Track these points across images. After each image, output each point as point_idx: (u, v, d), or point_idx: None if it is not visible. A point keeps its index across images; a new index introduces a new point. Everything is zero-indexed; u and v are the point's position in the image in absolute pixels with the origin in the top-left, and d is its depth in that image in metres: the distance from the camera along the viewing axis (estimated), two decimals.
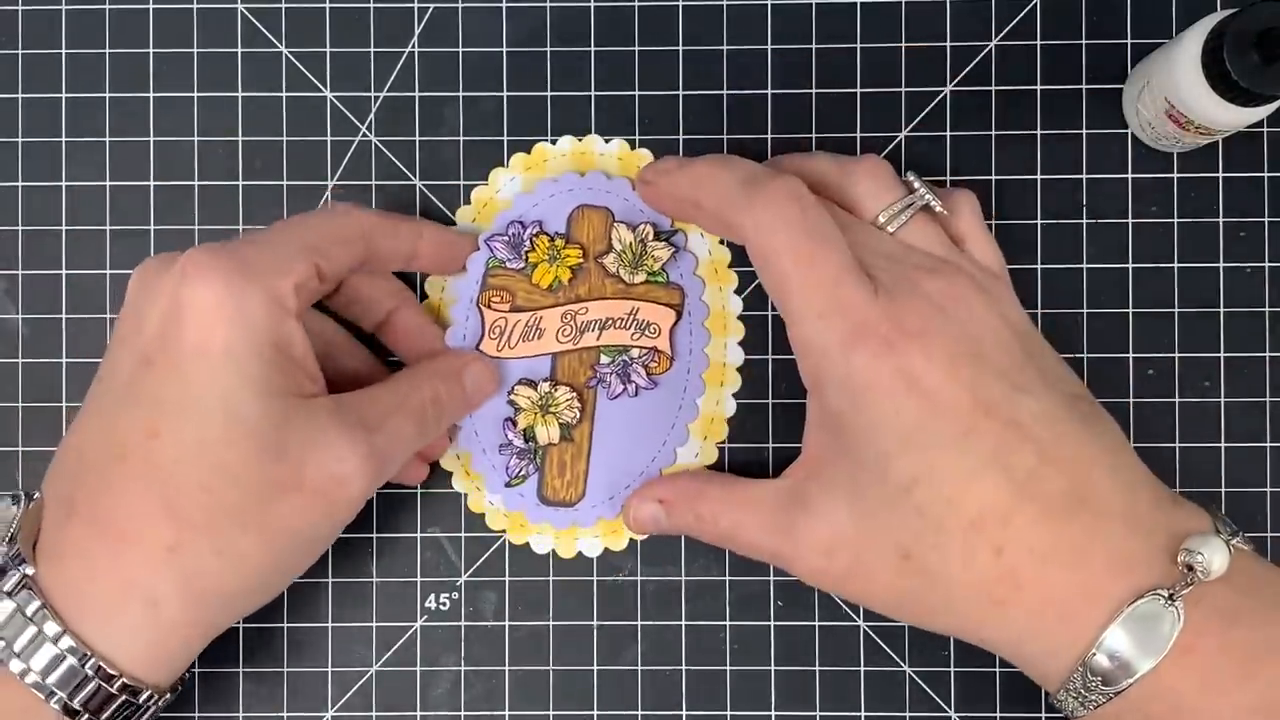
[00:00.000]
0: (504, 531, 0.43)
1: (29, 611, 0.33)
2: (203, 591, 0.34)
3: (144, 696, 0.34)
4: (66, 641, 0.33)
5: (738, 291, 0.43)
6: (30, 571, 0.34)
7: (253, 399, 0.34)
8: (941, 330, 0.34)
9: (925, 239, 0.37)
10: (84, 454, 0.35)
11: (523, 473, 0.43)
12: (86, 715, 0.34)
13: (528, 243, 0.42)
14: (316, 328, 0.40)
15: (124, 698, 0.34)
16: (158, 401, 0.34)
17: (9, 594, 0.33)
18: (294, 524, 0.35)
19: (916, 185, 0.38)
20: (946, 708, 0.43)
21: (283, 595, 0.43)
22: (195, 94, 0.44)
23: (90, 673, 0.33)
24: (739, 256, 0.43)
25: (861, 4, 0.43)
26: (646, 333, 0.42)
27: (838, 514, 0.36)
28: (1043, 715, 0.43)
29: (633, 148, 0.43)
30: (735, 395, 0.43)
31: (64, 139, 0.44)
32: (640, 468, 0.42)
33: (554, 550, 0.43)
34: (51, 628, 0.33)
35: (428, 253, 0.40)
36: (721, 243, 0.43)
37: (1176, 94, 0.38)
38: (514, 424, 0.42)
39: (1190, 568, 0.32)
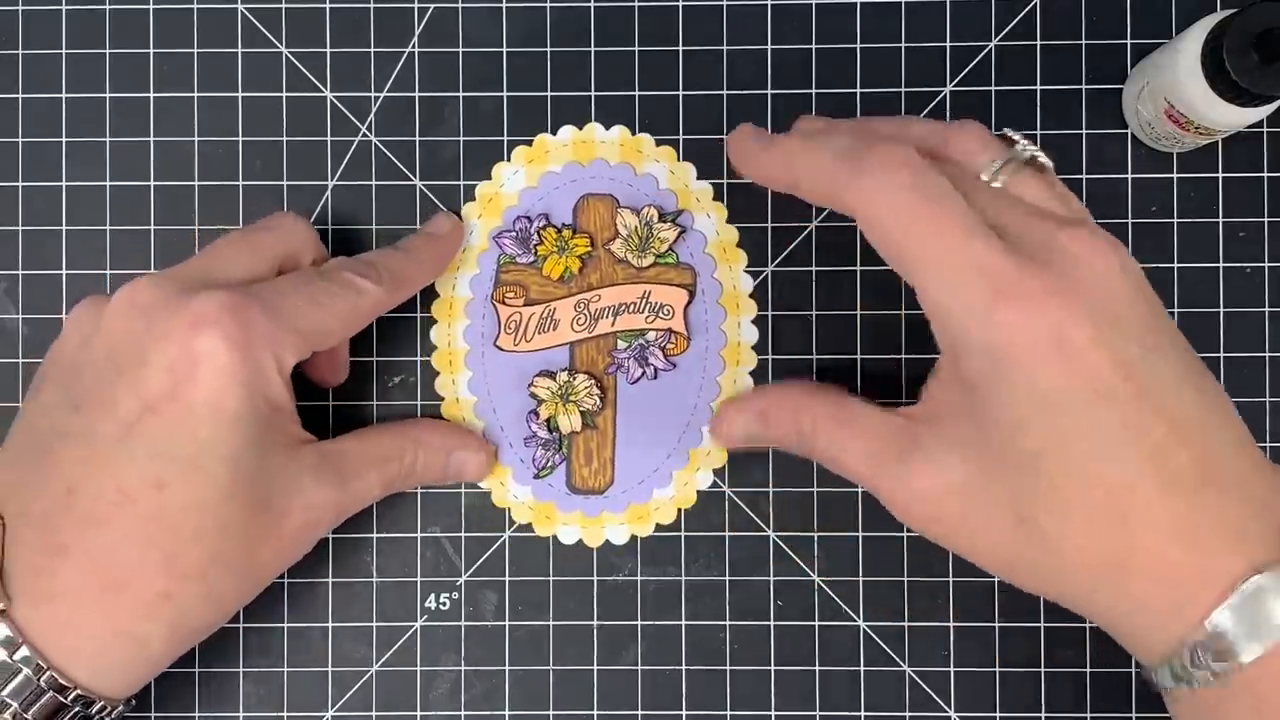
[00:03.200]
0: (530, 525, 0.43)
1: (11, 650, 0.34)
2: (188, 632, 0.36)
3: (114, 711, 0.36)
4: (52, 679, 0.34)
5: (747, 270, 0.43)
6: (3, 605, 0.34)
7: (253, 458, 0.35)
8: (1079, 286, 0.32)
9: (1036, 193, 0.35)
10: (78, 492, 0.34)
11: (549, 463, 0.43)
12: None
13: (535, 236, 0.43)
14: None
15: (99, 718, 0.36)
16: (164, 454, 0.34)
17: None
18: (271, 566, 0.37)
19: (1017, 138, 0.36)
20: (946, 708, 0.43)
21: (283, 595, 0.43)
22: (195, 94, 0.44)
23: (83, 709, 0.35)
24: (747, 235, 0.43)
25: (861, 4, 0.43)
26: (661, 315, 0.43)
27: (954, 470, 0.34)
28: (1043, 715, 0.43)
29: (633, 133, 0.43)
30: (752, 374, 0.43)
31: (64, 139, 0.44)
32: (667, 450, 0.43)
33: (581, 540, 0.43)
34: (36, 667, 0.34)
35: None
36: (728, 222, 0.43)
37: (1176, 94, 0.38)
38: (536, 416, 0.43)
39: None
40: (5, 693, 0.34)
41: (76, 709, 0.35)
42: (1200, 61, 0.37)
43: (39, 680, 0.34)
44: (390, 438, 0.40)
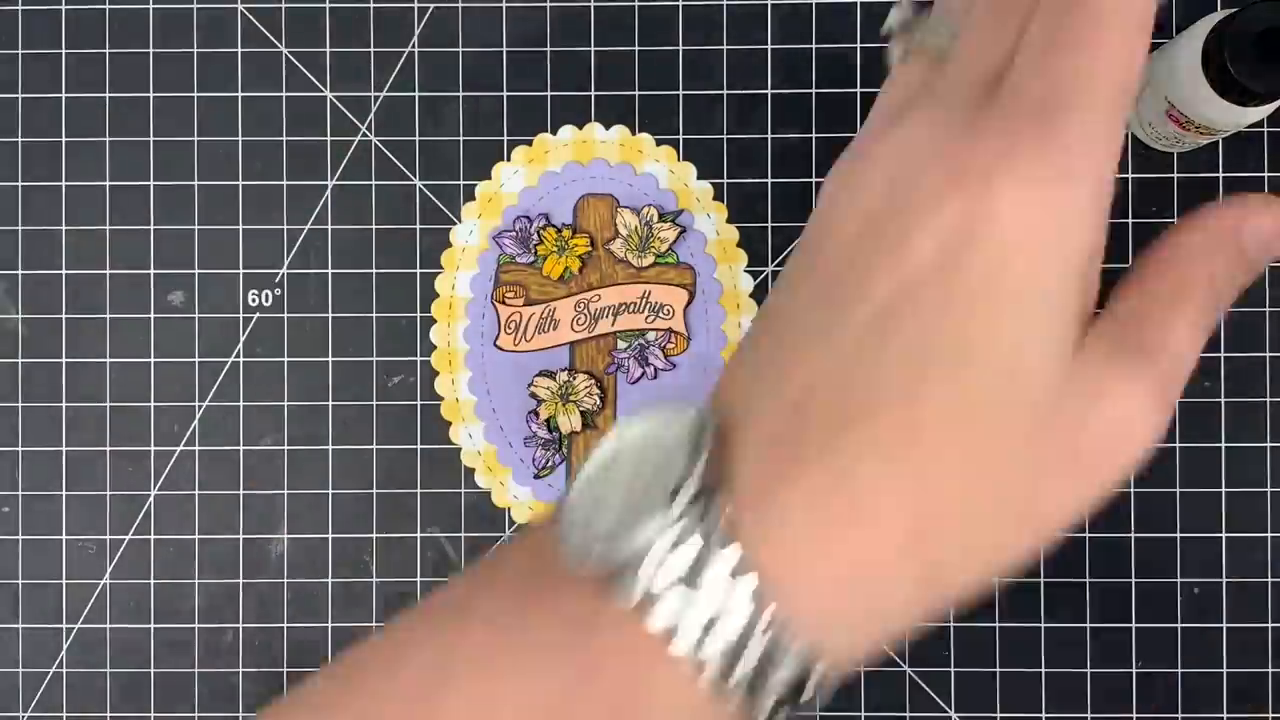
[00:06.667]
0: (528, 525, 0.43)
1: (729, 571, 0.25)
2: (944, 587, 0.27)
3: (825, 693, 0.27)
4: (778, 623, 0.25)
5: (747, 270, 0.43)
6: (731, 516, 0.25)
7: (1046, 353, 0.26)
8: None
9: None
10: (815, 394, 0.26)
11: (549, 463, 0.43)
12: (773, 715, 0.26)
13: (535, 236, 0.43)
14: None
15: (810, 694, 0.26)
16: (928, 349, 0.25)
17: (704, 541, 0.25)
18: (1059, 508, 0.27)
19: None
20: (946, 708, 0.43)
21: (282, 595, 0.43)
22: (195, 94, 0.44)
23: (799, 663, 0.25)
24: (747, 235, 0.43)
25: (861, 4, 0.43)
26: (661, 315, 0.43)
27: None
28: (1043, 715, 0.42)
29: (633, 133, 0.43)
30: None
31: (64, 139, 0.44)
32: None
33: None
34: (758, 599, 0.25)
35: None
36: (728, 222, 0.43)
37: (1177, 94, 0.38)
38: (536, 416, 0.43)
39: None
40: (707, 626, 0.25)
41: (792, 671, 0.25)
42: (1201, 61, 0.37)
43: (761, 616, 0.25)
44: (1166, 265, 0.28)
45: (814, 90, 0.43)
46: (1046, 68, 0.25)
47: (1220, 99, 0.37)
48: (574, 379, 0.43)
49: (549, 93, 0.43)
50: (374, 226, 0.43)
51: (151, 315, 0.44)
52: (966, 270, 0.25)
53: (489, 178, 0.43)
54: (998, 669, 0.43)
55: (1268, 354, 0.43)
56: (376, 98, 0.44)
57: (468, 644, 0.26)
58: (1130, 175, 0.43)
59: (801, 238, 0.29)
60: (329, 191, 0.44)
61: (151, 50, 0.44)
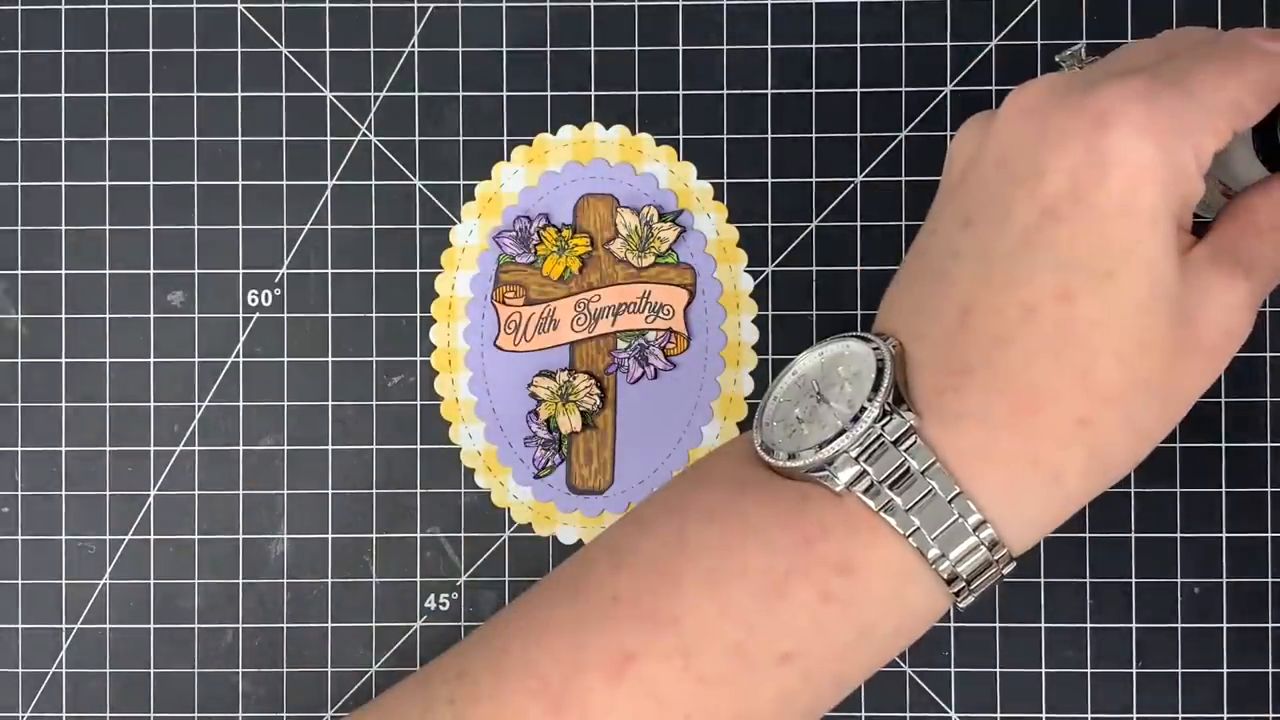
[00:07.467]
0: (530, 525, 0.43)
1: (920, 466, 0.30)
2: (1104, 466, 0.31)
3: (1006, 569, 0.32)
4: (962, 504, 0.30)
5: (747, 270, 0.43)
6: (915, 421, 0.30)
7: (1170, 264, 0.30)
8: None
9: None
10: (976, 311, 0.31)
11: (549, 463, 0.43)
12: (961, 585, 0.31)
13: (535, 236, 0.43)
14: None
15: (994, 570, 0.31)
16: (1070, 263, 0.30)
17: (893, 443, 0.30)
18: (1193, 386, 0.32)
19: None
20: (946, 708, 0.43)
21: (282, 595, 0.43)
22: (195, 94, 0.44)
23: (984, 542, 0.30)
24: (747, 235, 0.43)
25: (861, 4, 0.43)
26: (661, 315, 0.43)
27: None
28: (1043, 715, 0.43)
29: (633, 133, 0.43)
30: (752, 374, 0.43)
31: (64, 139, 0.44)
32: (667, 450, 0.43)
33: (581, 540, 0.43)
34: (945, 487, 0.30)
35: None
36: (728, 222, 0.43)
37: (1226, 170, 0.36)
38: (536, 416, 0.43)
39: None
40: (909, 509, 0.30)
41: (983, 550, 0.30)
42: (1251, 133, 0.34)
43: (952, 507, 0.30)
44: (1256, 190, 0.33)
45: (814, 90, 0.43)
46: (1176, 65, 0.31)
47: (1265, 169, 0.35)
48: (574, 379, 0.43)
49: (549, 93, 0.43)
50: (374, 226, 0.43)
51: (151, 315, 0.44)
52: (1099, 195, 0.30)
53: (489, 178, 0.43)
54: (998, 669, 0.43)
55: (1268, 354, 0.43)
56: (376, 98, 0.44)
57: (690, 533, 0.31)
58: None
59: (941, 186, 0.33)
60: (329, 191, 0.44)
61: (151, 50, 0.44)
